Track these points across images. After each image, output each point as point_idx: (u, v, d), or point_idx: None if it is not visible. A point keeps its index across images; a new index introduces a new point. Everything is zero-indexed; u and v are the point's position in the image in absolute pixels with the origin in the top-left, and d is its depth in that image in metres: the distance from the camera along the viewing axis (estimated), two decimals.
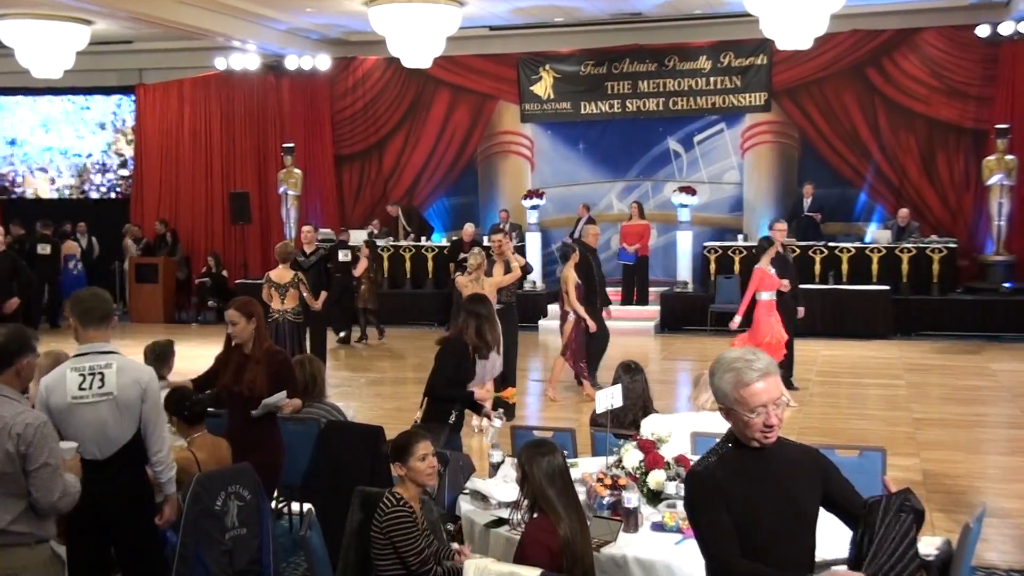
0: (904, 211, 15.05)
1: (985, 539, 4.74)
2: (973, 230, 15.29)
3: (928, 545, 3.82)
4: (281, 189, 17.60)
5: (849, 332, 13.82)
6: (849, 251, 14.68)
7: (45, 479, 3.57)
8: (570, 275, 9.89)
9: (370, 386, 11.26)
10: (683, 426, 5.47)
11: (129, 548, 4.18)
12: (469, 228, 15.28)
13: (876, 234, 15.16)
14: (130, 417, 4.10)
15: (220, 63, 17.74)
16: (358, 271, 14.17)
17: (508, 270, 9.09)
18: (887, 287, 14.19)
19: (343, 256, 14.35)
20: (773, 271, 9.83)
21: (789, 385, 9.44)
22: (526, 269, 9.69)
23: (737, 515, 2.89)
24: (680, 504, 4.42)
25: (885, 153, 15.97)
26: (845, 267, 14.65)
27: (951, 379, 10.86)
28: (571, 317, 9.92)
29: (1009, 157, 14.57)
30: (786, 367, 9.57)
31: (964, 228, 15.36)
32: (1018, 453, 8.00)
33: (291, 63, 17.91)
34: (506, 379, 9.19)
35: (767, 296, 9.82)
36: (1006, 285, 14.13)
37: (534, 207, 16.42)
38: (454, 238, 15.27)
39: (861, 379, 11.06)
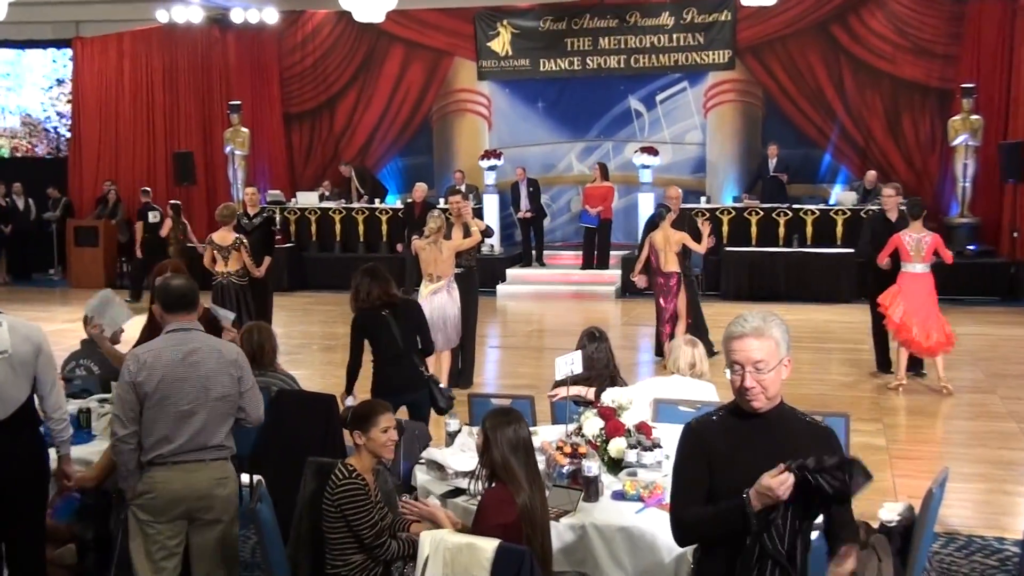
0: (872, 173, 15.19)
1: (948, 504, 4.84)
2: (938, 192, 15.49)
3: (890, 511, 3.89)
4: (227, 149, 17.34)
5: (812, 296, 13.98)
6: (813, 213, 14.81)
7: (255, 399, 4.24)
8: (679, 233, 9.87)
9: (323, 353, 11.21)
10: (645, 393, 5.51)
11: (21, 514, 4.23)
12: (420, 188, 15.08)
13: (841, 196, 15.30)
14: (25, 375, 4.19)
15: (162, 16, 17.35)
16: (163, 232, 14.72)
17: (467, 233, 9.05)
18: (851, 250, 14.31)
19: (152, 218, 15.12)
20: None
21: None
22: (487, 233, 9.66)
23: (718, 474, 2.96)
24: (641, 473, 4.46)
25: (850, 113, 16.09)
26: (809, 230, 14.78)
27: None
28: (680, 279, 9.94)
29: (974, 117, 14.73)
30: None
31: (930, 190, 15.54)
32: (980, 417, 8.17)
33: (237, 16, 17.60)
34: (465, 347, 9.22)
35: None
36: (970, 248, 14.36)
37: (491, 168, 16.35)
38: (408, 200, 15.16)
39: (824, 344, 11.21)
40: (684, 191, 16.17)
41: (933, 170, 15.73)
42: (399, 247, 15.08)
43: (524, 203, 15.83)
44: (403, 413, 5.60)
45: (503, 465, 3.73)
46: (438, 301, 8.66)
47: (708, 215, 14.01)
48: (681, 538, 3.10)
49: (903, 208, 9.30)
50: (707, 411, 3.23)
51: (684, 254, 9.98)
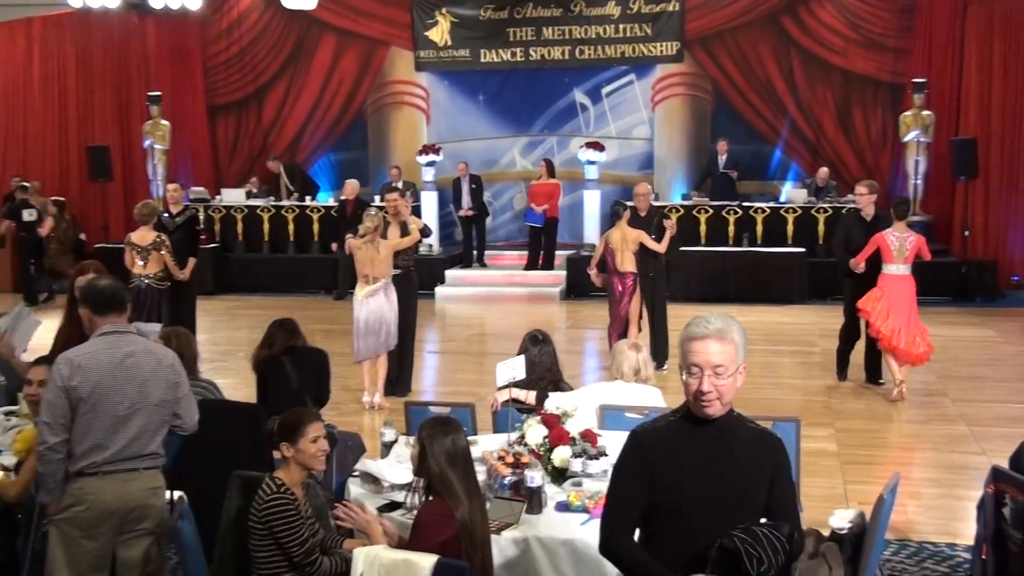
0: (824, 170, 15.46)
1: (899, 510, 4.94)
2: (890, 189, 15.78)
3: (841, 518, 3.96)
4: (147, 143, 17.07)
5: (763, 297, 14.17)
6: (764, 211, 15.01)
7: (191, 405, 4.30)
8: (636, 232, 9.82)
9: (249, 360, 11.06)
10: (590, 399, 5.55)
11: None
12: (352, 185, 15.02)
13: (791, 193, 15.54)
14: None
15: (75, 0, 17.03)
16: (44, 230, 14.57)
17: (405, 232, 9.02)
18: (802, 249, 14.57)
19: (27, 216, 14.89)
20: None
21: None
22: (424, 232, 9.64)
23: (660, 486, 2.98)
24: (586, 483, 4.49)
25: (801, 108, 16.34)
26: (760, 228, 14.98)
27: None
28: (636, 279, 9.88)
29: (926, 113, 15.06)
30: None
31: (881, 187, 15.75)
32: (934, 421, 8.35)
33: (157, 1, 17.32)
34: (402, 353, 9.19)
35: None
36: None
37: (430, 164, 16.32)
38: (342, 198, 15.10)
39: (775, 346, 11.37)
40: (630, 189, 16.39)
41: (884, 167, 16.04)
42: (333, 247, 15.01)
43: (466, 200, 15.82)
44: None
45: (440, 477, 3.72)
46: (374, 304, 8.63)
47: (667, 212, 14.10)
48: (606, 556, 3.13)
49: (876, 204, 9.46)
50: (655, 417, 3.25)
51: (645, 254, 9.93)
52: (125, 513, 4.01)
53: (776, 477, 3.05)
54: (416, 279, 9.46)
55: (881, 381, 9.42)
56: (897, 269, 8.93)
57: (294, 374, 5.98)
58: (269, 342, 6.16)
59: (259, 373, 6.14)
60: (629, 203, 10.23)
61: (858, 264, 9.06)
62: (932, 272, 14.04)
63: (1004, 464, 4.63)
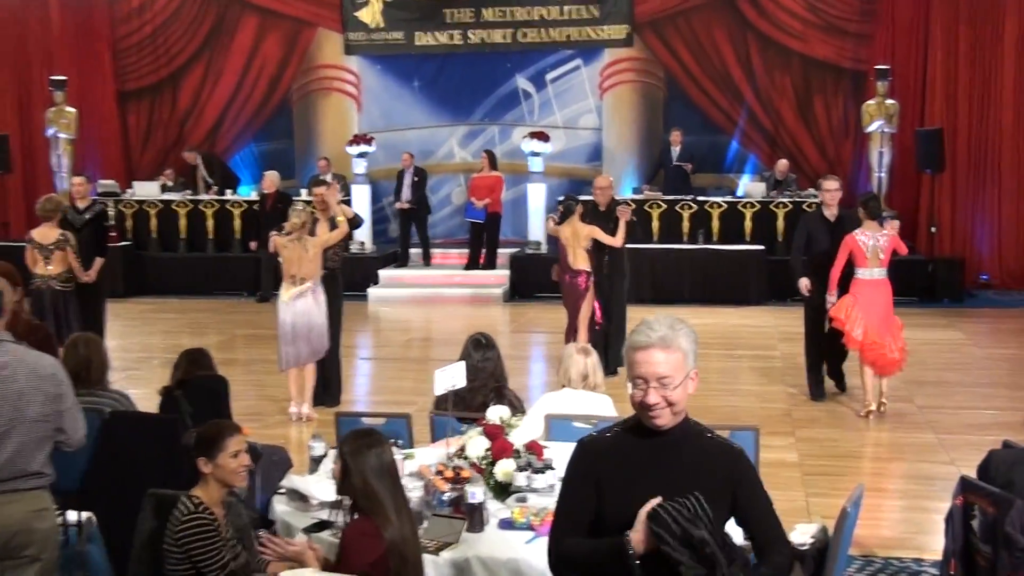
0: (783, 162, 15.63)
1: (863, 524, 5.01)
2: (853, 182, 16.00)
3: (802, 534, 4.01)
4: (50, 132, 16.76)
5: (720, 298, 14.32)
6: (720, 206, 15.16)
7: (77, 418, 4.20)
8: (589, 227, 9.81)
9: (165, 368, 10.90)
10: (535, 408, 5.58)
11: None
12: (271, 178, 14.85)
13: (749, 187, 15.71)
14: None
15: None
16: None
17: (334, 227, 8.96)
18: (761, 247, 14.73)
19: None
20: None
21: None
22: (355, 222, 9.57)
23: (609, 501, 2.99)
24: (532, 498, 4.49)
25: (759, 96, 16.53)
26: (716, 224, 15.13)
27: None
28: (590, 278, 9.85)
29: (890, 102, 15.29)
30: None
31: (843, 180, 15.99)
32: (900, 429, 8.47)
33: None
34: (330, 360, 9.14)
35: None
36: None
37: (361, 155, 16.25)
38: (263, 191, 14.96)
39: (733, 350, 11.48)
40: (577, 182, 16.65)
41: (847, 158, 16.29)
42: (252, 245, 14.90)
43: (406, 193, 15.78)
44: None
45: (365, 494, 3.71)
46: (302, 307, 8.56)
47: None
48: (556, 568, 3.13)
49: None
50: (603, 427, 3.26)
51: (600, 251, 9.92)
52: (6, 539, 3.93)
53: (741, 492, 3.06)
54: (342, 280, 9.40)
55: (844, 387, 9.50)
56: (871, 273, 8.59)
57: (188, 408, 5.90)
58: (172, 373, 6.15)
59: (160, 408, 6.08)
60: (583, 198, 10.24)
61: (837, 273, 8.65)
62: (897, 270, 14.26)
63: (973, 474, 4.71)
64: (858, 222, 8.72)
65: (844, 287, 8.77)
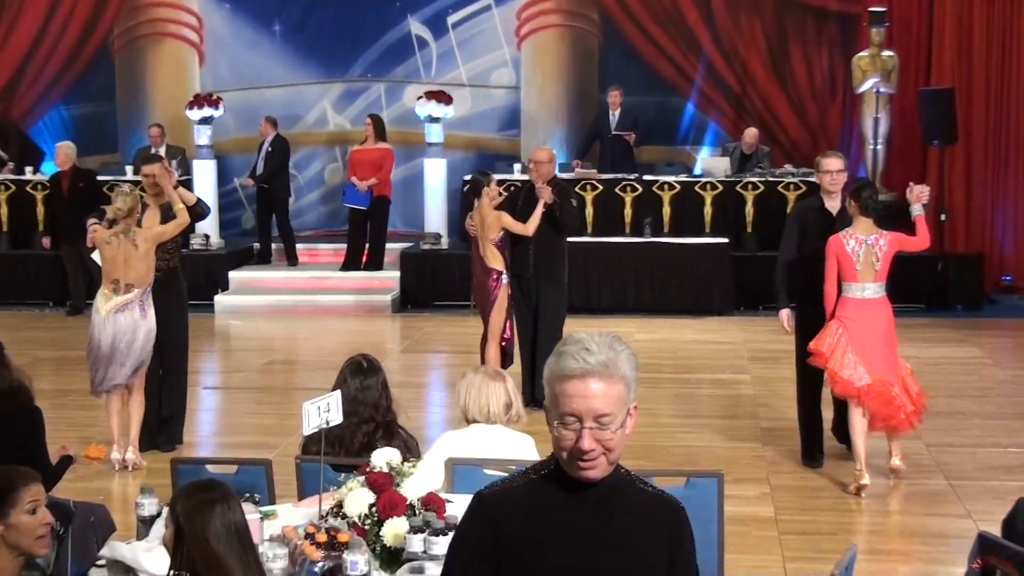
0: (752, 131, 15.76)
1: None
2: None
3: None
4: None
5: (673, 306, 14.38)
6: (673, 188, 15.24)
7: None
8: (496, 213, 9.86)
9: None
10: (435, 451, 5.57)
11: None
12: (65, 152, 14.57)
13: (709, 163, 15.85)
14: None
15: None
16: None
17: (168, 216, 8.84)
18: (724, 239, 14.86)
19: None
20: None
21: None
22: (198, 211, 9.38)
23: (516, 568, 2.95)
24: (430, 568, 4.46)
25: (720, 45, 16.71)
26: (667, 211, 15.20)
27: None
28: (502, 280, 9.90)
29: (887, 54, 15.53)
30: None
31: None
32: (902, 473, 8.47)
33: None
34: (172, 388, 9.02)
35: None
36: None
37: (205, 121, 16.11)
38: (56, 169, 14.71)
39: (689, 374, 11.55)
40: (488, 156, 16.65)
41: (833, 126, 16.53)
42: (45, 242, 14.79)
43: (260, 167, 15.76)
44: None
45: (207, 566, 3.65)
46: (124, 322, 8.41)
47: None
48: None
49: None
50: (513, 475, 3.21)
51: (521, 245, 9.97)
52: None
53: (678, 558, 3.06)
54: (183, 283, 9.29)
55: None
56: (863, 290, 7.99)
57: None
58: None
59: None
60: (498, 175, 10.25)
61: (831, 290, 8.05)
62: (899, 271, 14.37)
63: (994, 530, 4.77)
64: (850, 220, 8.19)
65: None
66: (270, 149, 15.74)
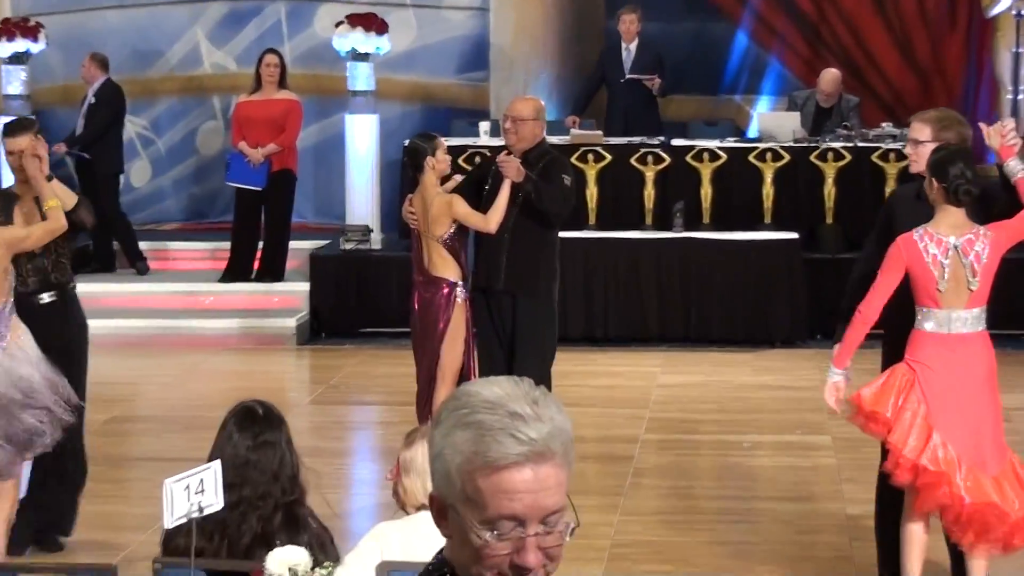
0: (833, 74, 15.80)
1: None
2: (963, 112, 16.27)
3: None
4: None
5: (716, 334, 14.50)
6: (716, 157, 15.30)
7: None
8: (448, 197, 9.92)
9: None
10: (364, 549, 5.63)
11: None
12: None
13: (770, 121, 15.86)
14: None
15: None
16: None
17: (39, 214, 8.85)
18: (794, 235, 14.85)
19: None
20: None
21: None
22: (78, 219, 9.36)
23: None
24: None
25: None
26: (707, 192, 15.28)
27: None
28: (456, 295, 9.89)
29: None
30: None
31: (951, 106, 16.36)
32: None
33: None
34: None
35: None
36: None
37: (17, 59, 16.19)
38: None
39: (742, 435, 11.50)
40: (442, 110, 16.66)
41: (953, 68, 16.64)
42: None
43: (79, 126, 15.93)
44: None
45: None
46: None
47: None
48: None
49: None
50: None
51: (491, 245, 10.02)
52: None
53: None
54: (79, 305, 9.33)
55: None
56: (950, 323, 7.79)
57: None
58: None
59: None
60: (452, 139, 10.24)
61: (860, 331, 8.00)
62: (1004, 288, 14.19)
63: None
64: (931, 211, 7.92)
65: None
66: (93, 101, 15.86)
